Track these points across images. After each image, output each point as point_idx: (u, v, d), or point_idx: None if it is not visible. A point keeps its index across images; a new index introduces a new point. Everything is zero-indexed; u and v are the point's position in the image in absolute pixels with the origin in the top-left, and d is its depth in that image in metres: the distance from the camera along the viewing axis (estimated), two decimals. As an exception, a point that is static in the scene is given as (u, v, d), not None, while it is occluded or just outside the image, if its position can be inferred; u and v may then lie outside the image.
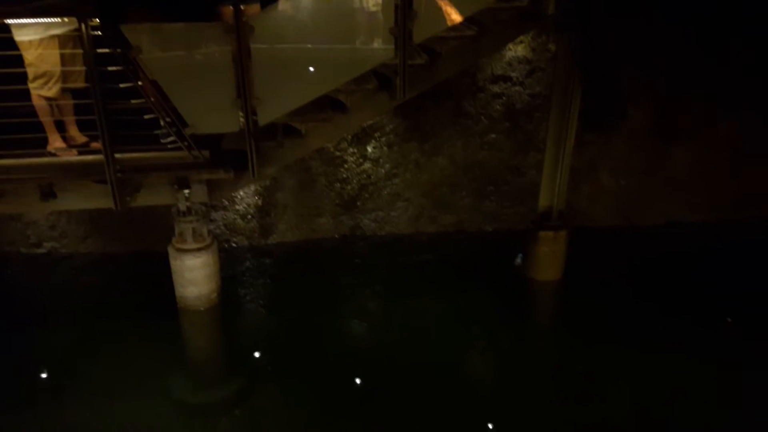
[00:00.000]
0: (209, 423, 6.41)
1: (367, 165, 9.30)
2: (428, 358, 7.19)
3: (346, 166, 9.25)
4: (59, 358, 7.13)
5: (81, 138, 6.72)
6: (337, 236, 9.59)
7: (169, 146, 6.54)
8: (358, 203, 9.47)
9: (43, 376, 6.90)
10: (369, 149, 9.23)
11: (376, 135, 9.17)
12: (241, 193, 9.03)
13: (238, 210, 9.18)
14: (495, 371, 7.22)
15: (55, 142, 6.53)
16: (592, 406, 6.45)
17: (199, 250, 7.34)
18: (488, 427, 6.21)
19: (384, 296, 8.44)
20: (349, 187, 9.35)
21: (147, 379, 6.78)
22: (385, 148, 9.26)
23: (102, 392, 6.58)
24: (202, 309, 7.67)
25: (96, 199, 6.61)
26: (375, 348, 7.47)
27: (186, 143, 6.22)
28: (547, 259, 8.37)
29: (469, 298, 8.22)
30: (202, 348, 7.86)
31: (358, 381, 6.82)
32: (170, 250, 7.40)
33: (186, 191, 6.83)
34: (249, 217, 9.21)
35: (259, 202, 9.16)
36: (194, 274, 7.45)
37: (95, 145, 6.47)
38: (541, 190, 8.16)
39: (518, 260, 8.77)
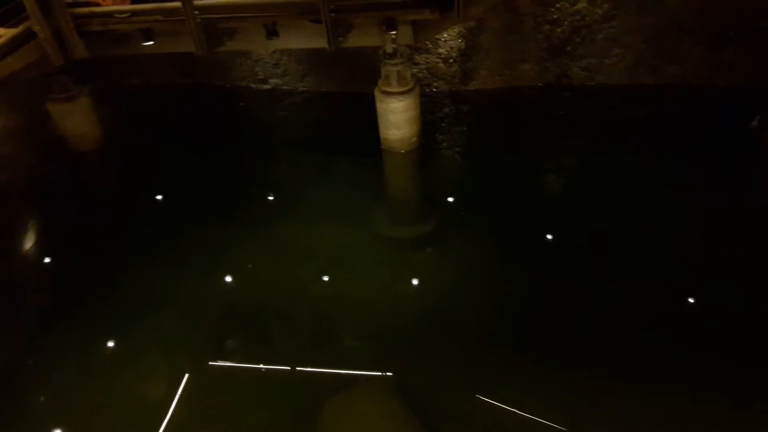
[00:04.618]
0: (403, 256, 7.02)
1: (582, 4, 8.42)
2: (625, 219, 6.88)
3: (558, 5, 8.48)
4: (276, 183, 8.19)
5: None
6: (541, 84, 9.11)
7: (378, -15, 6.56)
8: (568, 48, 8.76)
9: (262, 197, 7.99)
10: (587, -14, 8.32)
11: (596, -31, 8.18)
12: (445, 35, 8.86)
13: (440, 53, 9.09)
14: (698, 244, 6.65)
15: (278, -18, 6.90)
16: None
17: (402, 93, 7.55)
18: (687, 300, 5.93)
19: (586, 152, 8.03)
20: (559, 29, 8.64)
21: (350, 209, 7.53)
22: (605, -15, 8.26)
23: (309, 216, 7.50)
24: (402, 151, 8.06)
25: (312, 38, 7.04)
26: (569, 203, 7.31)
27: (394, -18, 6.18)
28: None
29: (683, 163, 7.47)
30: (401, 187, 8.39)
31: (547, 234, 6.83)
32: (376, 92, 7.71)
33: (393, 32, 6.91)
34: (451, 61, 9.10)
35: (462, 45, 8.94)
36: (397, 117, 7.75)
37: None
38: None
39: (755, 123, 7.61)
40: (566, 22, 8.57)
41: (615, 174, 7.52)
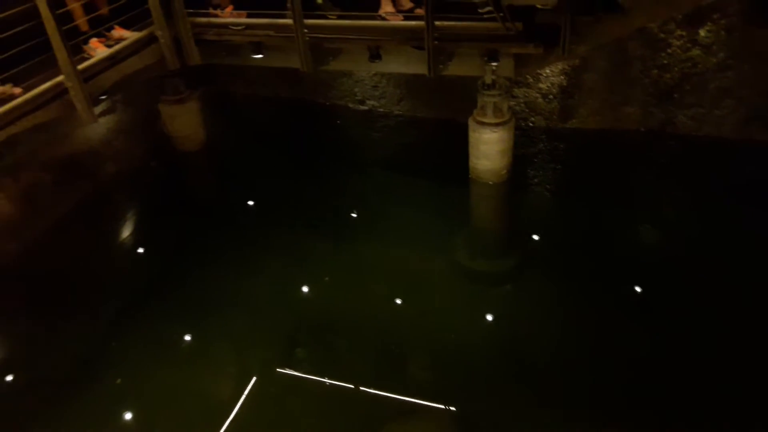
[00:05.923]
0: (479, 289, 6.89)
1: (695, 51, 8.06)
2: (721, 282, 6.37)
3: (669, 50, 8.15)
4: (362, 201, 8.29)
5: (408, 3, 7.14)
6: (643, 129, 8.75)
7: (485, 16, 6.55)
8: (676, 95, 8.38)
9: (347, 213, 8.09)
10: (702, 33, 7.92)
11: (714, 16, 7.78)
12: (547, 70, 8.73)
13: (540, 89, 8.95)
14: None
15: (386, 6, 7.07)
16: None
17: (497, 125, 7.48)
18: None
19: (687, 204, 7.59)
20: (668, 75, 8.29)
21: (431, 235, 7.48)
22: (722, 33, 7.83)
23: (391, 237, 7.52)
24: (490, 182, 7.95)
25: (413, 64, 7.12)
26: (662, 256, 6.91)
27: (501, 14, 6.17)
28: None
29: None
30: (486, 219, 8.27)
31: (635, 286, 6.49)
32: (470, 121, 7.69)
33: (494, 64, 6.89)
34: (551, 97, 8.93)
35: (564, 83, 8.76)
36: (489, 148, 7.68)
37: (419, 11, 6.83)
38: None
39: None
40: (676, 69, 8.22)
41: (717, 232, 7.05)
